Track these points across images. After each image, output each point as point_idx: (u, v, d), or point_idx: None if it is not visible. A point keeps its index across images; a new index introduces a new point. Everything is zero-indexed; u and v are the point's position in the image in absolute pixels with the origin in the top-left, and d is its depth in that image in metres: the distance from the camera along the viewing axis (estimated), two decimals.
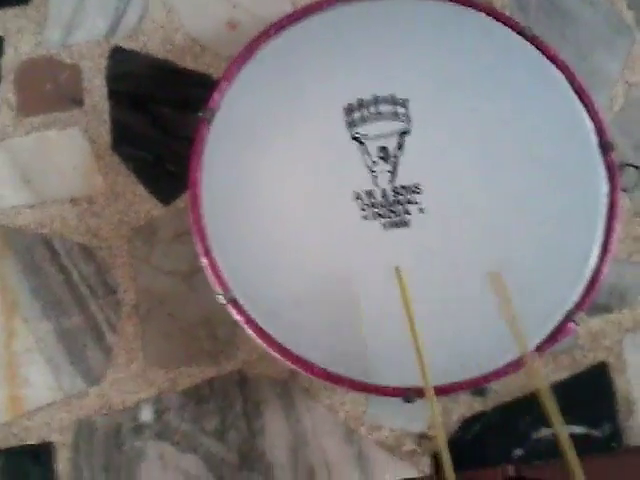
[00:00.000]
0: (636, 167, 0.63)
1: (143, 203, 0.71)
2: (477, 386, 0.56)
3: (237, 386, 0.67)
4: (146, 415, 0.67)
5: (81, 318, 0.69)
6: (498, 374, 0.57)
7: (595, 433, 0.68)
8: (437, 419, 0.53)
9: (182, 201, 0.71)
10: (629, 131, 0.76)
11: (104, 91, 0.74)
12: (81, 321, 0.69)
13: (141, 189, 0.72)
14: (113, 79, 0.75)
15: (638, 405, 0.69)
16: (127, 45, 0.75)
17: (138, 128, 0.73)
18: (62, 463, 0.66)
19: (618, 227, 0.60)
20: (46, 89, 0.75)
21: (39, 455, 0.67)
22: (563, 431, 0.51)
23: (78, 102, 0.74)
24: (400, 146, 0.61)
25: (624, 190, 0.63)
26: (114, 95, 0.74)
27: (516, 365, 0.57)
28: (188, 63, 0.75)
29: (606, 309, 0.71)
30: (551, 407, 0.51)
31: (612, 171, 0.62)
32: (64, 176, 0.72)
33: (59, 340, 0.68)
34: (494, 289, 0.57)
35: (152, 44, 0.76)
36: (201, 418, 0.67)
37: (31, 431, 0.67)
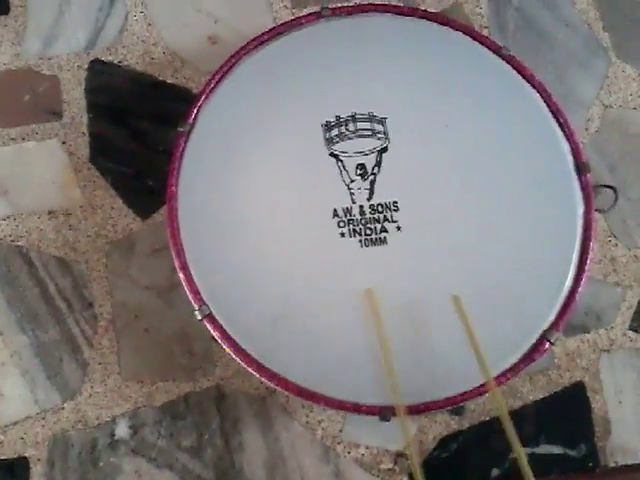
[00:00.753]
0: (611, 188, 0.64)
1: (121, 217, 0.71)
2: (453, 405, 0.56)
3: (214, 402, 0.67)
4: (122, 430, 0.66)
5: (57, 332, 0.68)
6: (474, 393, 0.57)
7: (572, 453, 0.69)
8: (409, 437, 0.53)
9: (160, 215, 0.71)
10: (604, 152, 0.77)
11: (83, 103, 0.74)
12: (57, 335, 0.68)
13: (119, 203, 0.71)
14: (92, 92, 0.74)
15: (614, 425, 0.70)
16: (106, 58, 0.75)
17: (117, 141, 0.73)
18: (37, 478, 0.65)
19: (593, 248, 0.61)
20: (24, 100, 0.74)
21: (13, 470, 0.66)
22: (523, 456, 0.52)
23: (57, 114, 0.73)
24: (378, 164, 0.62)
25: (599, 211, 0.63)
26: (93, 108, 0.74)
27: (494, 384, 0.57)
28: (168, 77, 0.75)
29: (582, 329, 0.72)
30: (511, 433, 0.52)
31: (587, 192, 0.62)
32: (42, 188, 0.72)
33: (35, 354, 0.67)
34: (457, 312, 0.57)
35: (132, 57, 0.75)
36: (177, 434, 0.66)
37: (5, 446, 0.66)
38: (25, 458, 0.66)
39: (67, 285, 0.69)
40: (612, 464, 0.69)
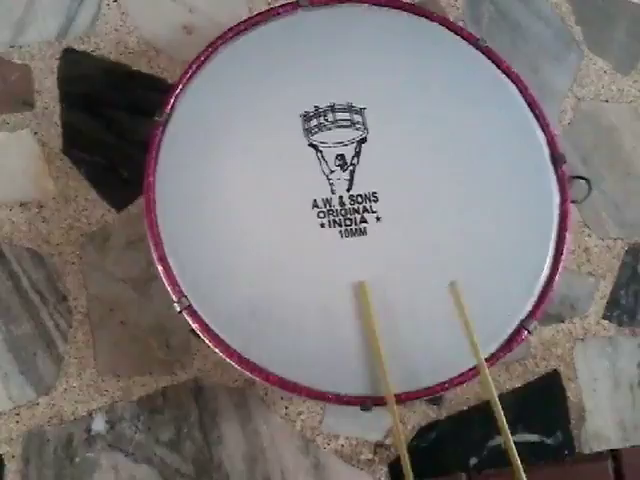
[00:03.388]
0: (585, 180, 0.65)
1: (95, 208, 0.70)
2: (433, 395, 0.57)
3: (192, 395, 0.67)
4: (98, 425, 0.65)
5: (31, 326, 0.67)
6: (453, 383, 0.57)
7: (548, 441, 0.70)
8: (398, 427, 0.53)
9: (135, 207, 0.70)
10: (578, 144, 0.78)
11: (55, 93, 0.72)
12: (31, 329, 0.67)
13: (93, 194, 0.70)
14: (65, 81, 0.73)
15: (589, 413, 0.71)
16: (79, 47, 0.74)
17: (90, 131, 0.72)
18: (12, 475, 0.64)
19: (569, 238, 0.61)
20: None
21: None
22: (510, 441, 0.52)
23: (28, 104, 0.72)
24: (357, 154, 0.62)
25: (573, 202, 0.64)
26: (66, 97, 0.72)
27: (471, 374, 0.57)
28: (142, 66, 0.74)
29: (557, 319, 0.73)
30: (500, 417, 0.53)
31: (563, 183, 0.63)
32: (13, 179, 0.70)
33: (8, 348, 0.66)
34: (453, 298, 0.58)
35: (105, 46, 0.74)
36: (155, 428, 0.66)
37: None
38: None
39: (41, 278, 0.68)
40: (587, 451, 0.71)
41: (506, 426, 0.52)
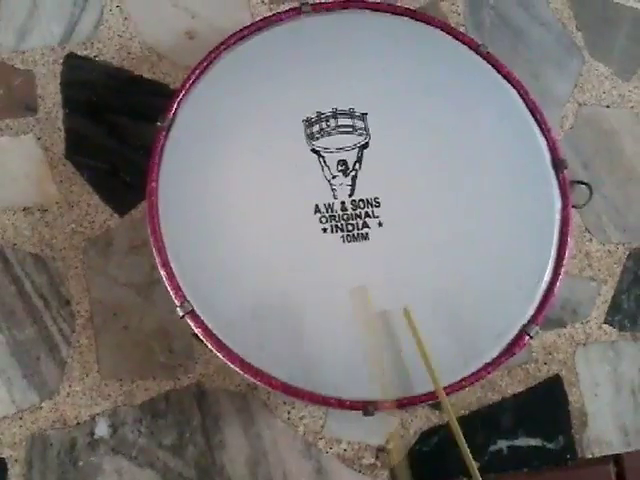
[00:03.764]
0: (586, 185, 0.65)
1: (98, 213, 0.70)
2: (435, 399, 0.57)
3: (195, 400, 0.67)
4: (102, 429, 0.66)
5: (34, 330, 0.67)
6: (455, 387, 0.57)
7: (549, 445, 0.70)
8: (395, 431, 0.53)
9: (138, 212, 0.70)
10: (579, 149, 0.78)
11: (58, 98, 0.73)
12: (34, 333, 0.67)
13: (96, 199, 0.70)
14: (68, 86, 0.73)
15: (590, 417, 0.71)
16: (82, 52, 0.74)
17: (93, 137, 0.72)
18: (15, 479, 0.64)
19: (571, 243, 0.62)
20: None
21: None
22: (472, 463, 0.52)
23: (31, 109, 0.72)
24: (359, 159, 0.62)
25: (575, 207, 0.65)
26: (69, 103, 0.73)
27: (473, 378, 0.58)
28: (144, 72, 0.74)
29: (559, 323, 0.73)
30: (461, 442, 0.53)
31: (564, 188, 0.63)
32: (17, 184, 0.70)
33: (11, 352, 0.66)
34: (407, 324, 0.58)
35: (108, 52, 0.74)
36: (158, 432, 0.66)
37: None
38: (2, 459, 0.64)
39: (44, 283, 0.68)
40: (589, 456, 0.71)
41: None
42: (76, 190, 0.70)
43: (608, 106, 0.80)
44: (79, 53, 0.74)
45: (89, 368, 0.67)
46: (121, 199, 0.71)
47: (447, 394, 0.57)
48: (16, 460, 0.65)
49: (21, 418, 0.65)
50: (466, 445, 0.53)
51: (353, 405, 0.56)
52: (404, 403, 0.57)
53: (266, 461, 0.66)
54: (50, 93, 0.73)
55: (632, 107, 0.81)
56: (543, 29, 0.81)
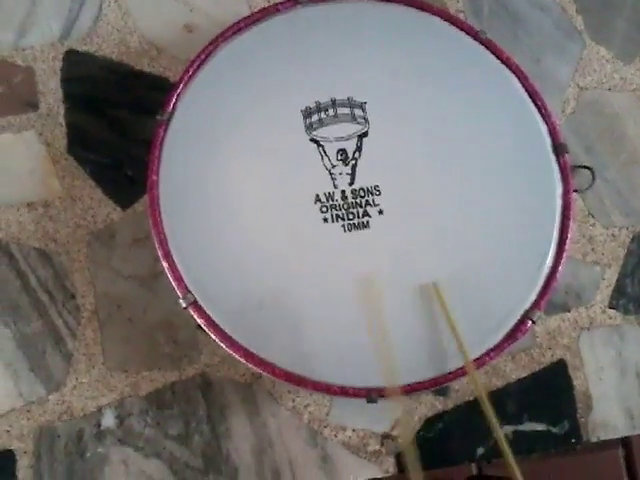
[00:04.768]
0: (588, 169, 0.65)
1: (101, 207, 0.70)
2: (439, 386, 0.57)
3: (200, 390, 0.67)
4: (108, 420, 0.66)
5: (40, 324, 0.68)
6: (458, 373, 0.58)
7: (554, 430, 0.70)
8: (404, 417, 0.53)
9: (141, 205, 0.71)
10: (580, 134, 0.78)
11: (59, 94, 0.73)
12: (40, 327, 0.68)
13: (99, 193, 0.71)
14: (68, 82, 0.73)
15: (595, 401, 0.71)
16: (81, 48, 0.74)
17: (94, 131, 0.72)
18: (24, 471, 0.65)
19: (573, 227, 0.61)
20: None
21: (0, 463, 0.66)
22: (501, 435, 0.52)
23: (33, 105, 0.73)
24: (359, 148, 0.62)
25: (577, 191, 0.64)
26: (69, 98, 0.73)
27: (476, 364, 0.58)
28: (144, 66, 0.74)
29: (563, 308, 0.73)
30: (489, 413, 0.53)
31: (565, 173, 0.63)
32: (20, 180, 0.71)
33: (18, 346, 0.67)
34: (436, 300, 0.58)
35: (107, 47, 0.75)
36: (164, 423, 0.66)
37: None
38: (11, 451, 0.65)
39: (48, 277, 0.69)
40: (594, 439, 0.71)
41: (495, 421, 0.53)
42: (79, 184, 0.71)
43: (610, 89, 0.80)
44: (79, 49, 0.74)
45: (95, 360, 0.67)
46: (123, 193, 0.71)
47: (450, 380, 0.57)
48: (24, 452, 0.65)
49: (29, 411, 0.66)
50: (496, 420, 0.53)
51: (356, 393, 0.57)
52: (408, 389, 0.57)
53: (272, 449, 0.67)
54: (51, 89, 0.73)
55: (634, 90, 0.80)
56: (543, 14, 0.81)
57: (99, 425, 0.66)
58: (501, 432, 0.53)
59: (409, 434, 0.54)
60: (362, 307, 0.57)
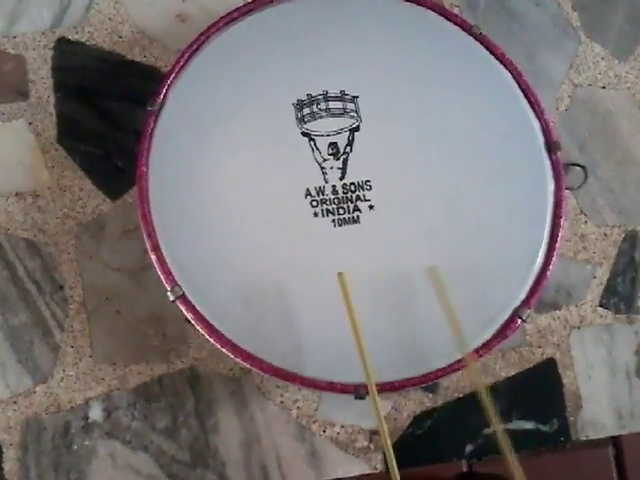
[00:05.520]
0: (581, 167, 0.65)
1: (90, 198, 0.70)
2: (427, 382, 0.57)
3: (188, 384, 0.67)
4: (95, 413, 0.66)
5: (27, 315, 0.67)
6: (449, 370, 0.57)
7: (544, 428, 0.70)
8: (380, 415, 0.53)
9: (131, 196, 0.70)
10: (574, 131, 0.77)
11: (50, 83, 0.72)
12: (27, 318, 0.67)
13: (88, 184, 0.70)
14: (59, 71, 0.73)
15: (585, 400, 0.71)
16: (73, 36, 0.73)
17: (85, 121, 0.72)
18: (10, 463, 0.65)
19: (564, 225, 0.61)
20: None
21: None
22: (501, 430, 0.52)
23: (23, 94, 0.72)
24: (350, 143, 0.62)
25: (569, 189, 0.64)
26: (60, 87, 0.72)
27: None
28: (136, 55, 0.74)
29: (553, 306, 0.73)
30: (489, 407, 0.53)
31: (557, 170, 0.63)
32: (8, 170, 0.70)
33: (5, 337, 0.66)
34: (434, 284, 0.58)
35: (99, 36, 0.74)
36: (152, 416, 0.66)
37: None
38: None
39: (37, 268, 0.68)
40: (583, 438, 0.71)
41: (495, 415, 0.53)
42: (68, 175, 0.70)
43: (604, 87, 0.79)
44: (70, 37, 0.73)
45: (82, 353, 0.67)
46: (113, 184, 0.70)
47: (440, 377, 0.57)
48: (11, 444, 0.65)
49: (15, 402, 0.66)
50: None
51: (344, 388, 0.56)
52: (396, 386, 0.57)
53: (259, 444, 0.66)
54: (41, 78, 0.72)
55: (628, 88, 0.80)
56: (538, 9, 0.80)
57: (86, 418, 0.66)
58: (500, 426, 0.53)
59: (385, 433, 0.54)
60: (340, 300, 0.56)
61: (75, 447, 0.65)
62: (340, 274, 0.56)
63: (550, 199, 0.62)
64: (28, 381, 0.66)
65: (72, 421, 0.66)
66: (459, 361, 0.58)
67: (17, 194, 0.69)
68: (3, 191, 0.69)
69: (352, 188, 0.60)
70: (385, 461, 0.67)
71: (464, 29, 0.67)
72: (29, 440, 0.65)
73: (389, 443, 0.50)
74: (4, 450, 0.65)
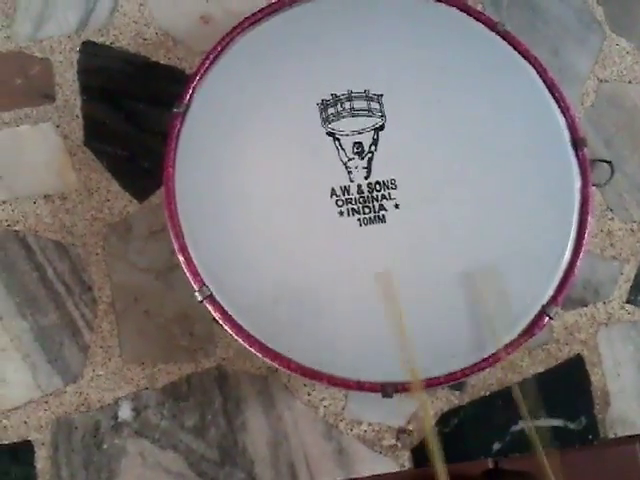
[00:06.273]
0: (608, 162, 0.64)
1: (117, 199, 0.71)
2: (456, 381, 0.57)
3: (216, 382, 0.67)
4: (125, 413, 0.67)
5: (57, 316, 0.68)
6: (475, 369, 0.57)
7: (572, 426, 0.70)
8: (428, 412, 0.53)
9: (157, 197, 0.71)
10: (600, 127, 0.77)
11: (76, 86, 0.73)
12: (57, 319, 0.68)
13: (115, 185, 0.71)
14: (85, 74, 0.74)
15: (613, 397, 0.71)
16: (98, 39, 0.74)
17: (111, 123, 0.72)
18: (42, 461, 0.66)
19: (591, 222, 0.61)
20: (17, 84, 0.73)
21: (18, 454, 0.66)
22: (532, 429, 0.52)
23: (50, 97, 0.73)
24: (375, 142, 0.62)
25: (596, 185, 0.64)
26: (86, 90, 0.73)
27: (492, 360, 0.57)
28: (161, 57, 0.74)
29: (581, 303, 0.72)
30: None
31: (584, 167, 0.62)
32: (36, 172, 0.71)
33: (35, 338, 0.68)
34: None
35: (124, 38, 0.75)
36: (180, 415, 0.67)
37: (9, 430, 0.66)
38: (29, 442, 0.66)
39: (65, 269, 0.69)
40: (611, 436, 0.70)
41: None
42: (95, 177, 0.71)
43: (630, 82, 0.79)
44: (95, 40, 0.74)
45: (111, 353, 0.68)
46: (140, 185, 0.71)
47: (466, 376, 0.57)
48: (42, 443, 0.66)
49: (46, 402, 0.67)
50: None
51: (372, 387, 0.56)
52: (425, 384, 0.57)
53: (287, 443, 0.67)
54: (67, 81, 0.73)
55: None
56: (562, 4, 0.80)
57: (116, 417, 0.67)
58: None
59: (429, 426, 0.54)
60: (382, 302, 0.57)
61: (105, 446, 0.66)
62: (383, 274, 0.56)
63: (577, 196, 0.62)
64: (58, 381, 0.67)
65: (102, 420, 0.67)
66: (485, 360, 0.57)
67: (45, 196, 0.70)
68: (32, 194, 0.70)
69: (377, 187, 0.60)
70: (412, 459, 0.67)
71: (488, 26, 0.67)
72: (60, 439, 0.66)
73: (435, 441, 0.51)
74: (36, 449, 0.66)
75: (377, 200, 0.60)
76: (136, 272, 0.69)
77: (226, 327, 0.57)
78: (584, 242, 0.60)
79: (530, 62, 0.66)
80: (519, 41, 0.66)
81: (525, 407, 0.52)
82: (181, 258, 0.58)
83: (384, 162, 0.61)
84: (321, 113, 0.62)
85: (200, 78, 0.63)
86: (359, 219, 0.60)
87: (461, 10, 0.67)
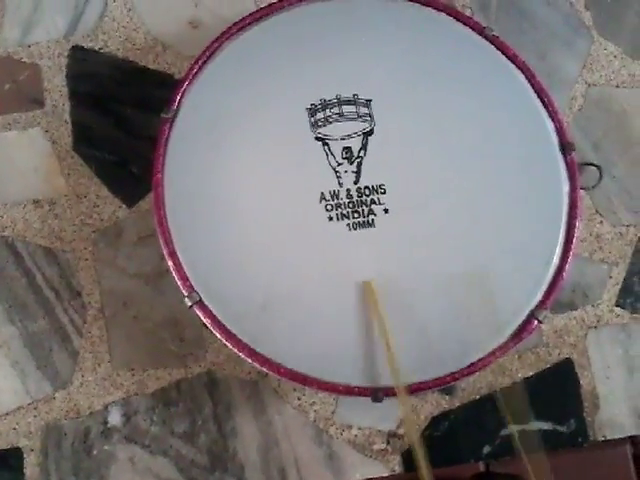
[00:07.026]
0: (596, 166, 0.65)
1: (106, 205, 0.71)
2: (445, 385, 0.57)
3: (206, 388, 0.67)
4: (114, 418, 0.66)
5: (46, 321, 0.68)
6: (464, 373, 0.57)
7: (561, 429, 0.70)
8: (411, 418, 0.53)
9: (146, 203, 0.71)
10: (588, 131, 0.77)
11: (64, 91, 0.73)
12: (46, 324, 0.68)
13: (104, 191, 0.71)
14: (74, 79, 0.73)
15: (602, 400, 0.71)
16: (87, 44, 0.74)
17: (100, 129, 0.72)
18: (31, 468, 0.66)
19: (579, 226, 0.61)
20: (5, 89, 0.73)
21: (7, 460, 0.66)
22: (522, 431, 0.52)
23: (38, 102, 0.73)
24: (364, 146, 0.62)
25: (584, 189, 0.64)
26: (75, 95, 0.73)
27: (481, 364, 0.57)
28: (150, 62, 0.74)
29: (570, 306, 0.73)
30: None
31: (572, 171, 0.63)
32: (25, 178, 0.71)
33: (24, 344, 0.67)
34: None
35: (113, 43, 0.74)
36: (170, 420, 0.67)
37: None
38: (18, 448, 0.66)
39: (54, 274, 0.69)
40: (601, 438, 0.70)
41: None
42: (84, 182, 0.71)
43: (618, 86, 0.79)
44: (84, 45, 0.74)
45: (101, 358, 0.67)
46: (129, 190, 0.71)
47: (456, 379, 0.57)
48: (32, 449, 0.66)
49: (36, 408, 0.67)
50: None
51: (361, 391, 0.56)
52: (414, 389, 0.57)
53: (277, 447, 0.67)
54: (56, 86, 0.73)
55: None
56: (550, 9, 0.80)
57: (106, 423, 0.66)
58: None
59: (414, 433, 0.54)
60: (367, 309, 0.57)
61: (95, 452, 0.66)
62: (367, 283, 0.57)
63: (565, 200, 0.62)
64: (48, 387, 0.67)
65: (92, 426, 0.66)
66: (474, 364, 0.57)
67: (34, 202, 0.70)
68: (20, 199, 0.70)
69: (366, 192, 0.60)
70: (403, 463, 0.68)
71: (477, 31, 0.67)
72: (49, 445, 0.66)
73: (419, 444, 0.51)
74: (25, 456, 0.66)
75: (366, 205, 0.60)
76: (125, 277, 0.69)
77: (215, 332, 0.57)
78: (572, 246, 0.61)
79: (518, 66, 0.66)
80: (507, 46, 0.66)
81: (509, 415, 0.52)
82: (170, 263, 0.58)
83: (373, 167, 0.61)
84: (310, 118, 0.62)
85: (189, 83, 0.63)
86: (348, 224, 0.60)
87: (449, 15, 0.68)
